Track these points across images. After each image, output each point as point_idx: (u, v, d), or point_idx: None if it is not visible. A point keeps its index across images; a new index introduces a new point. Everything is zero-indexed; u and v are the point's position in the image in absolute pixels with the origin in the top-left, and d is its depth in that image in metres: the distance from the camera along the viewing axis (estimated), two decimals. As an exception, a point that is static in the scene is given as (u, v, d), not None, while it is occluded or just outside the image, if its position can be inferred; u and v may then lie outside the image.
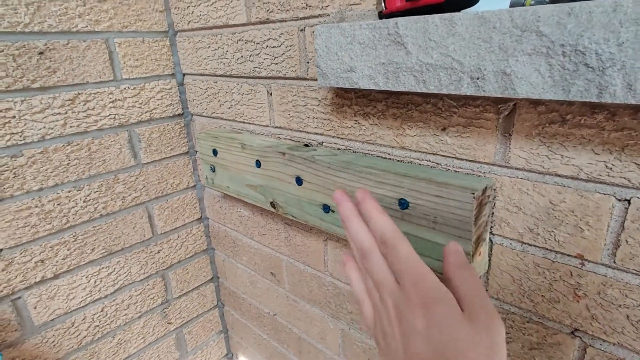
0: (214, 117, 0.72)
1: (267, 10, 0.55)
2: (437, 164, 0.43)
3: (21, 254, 0.62)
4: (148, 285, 0.80)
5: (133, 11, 0.67)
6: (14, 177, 0.59)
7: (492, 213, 0.41)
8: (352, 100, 0.49)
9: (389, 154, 0.48)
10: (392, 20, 0.36)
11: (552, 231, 0.37)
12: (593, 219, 0.34)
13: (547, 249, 0.38)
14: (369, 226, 0.30)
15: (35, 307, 0.64)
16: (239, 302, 0.89)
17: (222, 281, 0.92)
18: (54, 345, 0.68)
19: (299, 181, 0.53)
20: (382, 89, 0.39)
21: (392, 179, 0.42)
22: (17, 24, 0.55)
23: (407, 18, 0.35)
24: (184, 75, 0.75)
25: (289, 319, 0.76)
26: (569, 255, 0.37)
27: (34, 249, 0.63)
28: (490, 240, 0.42)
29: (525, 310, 0.41)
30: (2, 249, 0.59)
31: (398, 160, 0.47)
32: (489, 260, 0.42)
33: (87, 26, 0.62)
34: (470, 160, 0.41)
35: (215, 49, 0.65)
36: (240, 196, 0.65)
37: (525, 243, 0.39)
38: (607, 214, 0.33)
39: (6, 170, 0.58)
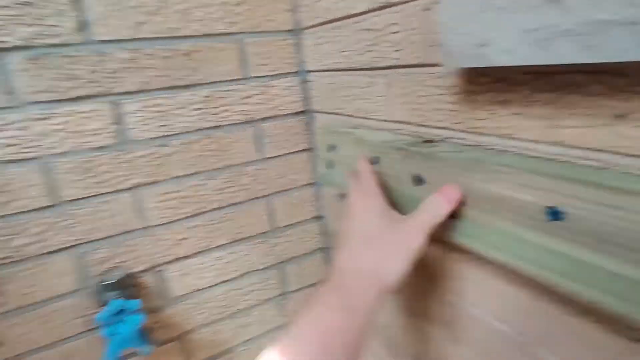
0: (334, 113, 0.71)
1: (390, -8, 0.50)
2: (609, 164, 0.32)
3: (165, 231, 0.70)
4: (267, 275, 0.83)
5: (263, 12, 0.70)
6: (163, 164, 0.67)
7: (702, 239, 0.27)
8: (486, 86, 0.40)
9: (535, 151, 0.37)
10: (546, -30, 0.27)
11: None
12: None
13: None
14: None
15: (173, 281, 0.73)
16: (351, 305, 0.86)
17: (336, 281, 0.90)
18: (186, 318, 0.76)
19: (418, 180, 0.47)
20: (527, 63, 0.30)
21: (540, 182, 0.32)
22: (170, 29, 0.63)
23: (570, -37, 0.26)
24: (307, 72, 0.76)
25: (405, 334, 0.69)
26: None
27: (174, 228, 0.71)
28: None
29: None
30: (151, 226, 0.69)
31: (547, 159, 0.36)
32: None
33: (224, 29, 0.67)
34: (664, 161, 0.28)
35: (336, 43, 0.64)
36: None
37: None
38: None
39: (158, 158, 0.67)
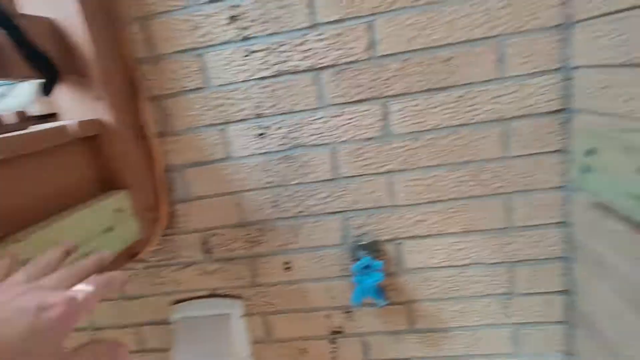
0: (599, 114, 0.65)
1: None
2: None
3: (408, 211, 0.83)
4: (495, 271, 0.85)
5: (528, 10, 0.70)
6: (413, 155, 0.79)
7: None
8: None
9: None
10: None
11: None
12: None
13: None
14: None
15: (408, 254, 0.86)
16: (593, 329, 0.77)
17: (576, 299, 0.82)
18: (414, 288, 0.88)
19: None
20: None
21: None
22: (435, 40, 0.73)
23: None
24: (573, 68, 0.71)
25: None
26: None
27: (415, 210, 0.83)
28: None
29: None
30: (398, 205, 0.83)
31: None
32: None
33: (483, 33, 0.72)
34: None
35: (617, 36, 0.58)
36: (614, 205, 0.56)
37: None
38: None
39: (410, 149, 0.79)
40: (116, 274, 0.34)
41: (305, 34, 0.75)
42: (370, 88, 0.77)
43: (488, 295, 0.87)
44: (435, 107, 0.77)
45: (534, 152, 0.77)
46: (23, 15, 0.63)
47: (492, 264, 0.84)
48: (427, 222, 0.83)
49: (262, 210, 0.86)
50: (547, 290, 0.85)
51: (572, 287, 0.83)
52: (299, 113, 0.80)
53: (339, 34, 0.74)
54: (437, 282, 0.87)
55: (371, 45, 0.74)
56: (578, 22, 0.67)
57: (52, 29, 0.68)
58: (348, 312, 0.91)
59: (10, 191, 0.57)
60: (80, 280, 0.32)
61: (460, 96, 0.75)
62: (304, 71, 0.77)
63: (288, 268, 0.90)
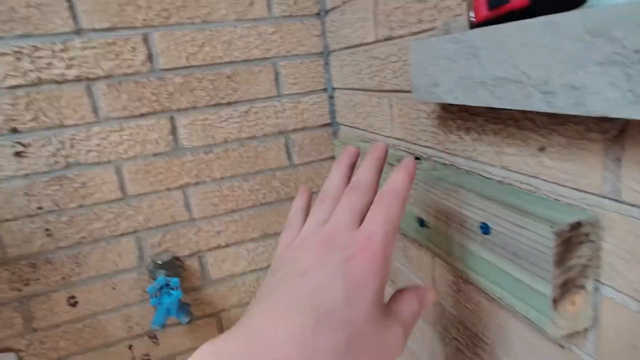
0: (352, 127, 0.79)
1: (389, 28, 0.57)
2: (538, 189, 0.37)
3: (207, 224, 0.84)
4: (293, 268, 0.94)
5: (295, 38, 0.80)
6: (206, 167, 0.81)
7: (599, 257, 0.32)
8: (455, 114, 0.47)
9: (490, 173, 0.43)
10: (470, 32, 0.34)
11: (680, 295, 0.27)
12: None
13: (674, 318, 0.28)
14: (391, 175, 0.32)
15: (212, 265, 0.87)
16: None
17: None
18: (222, 298, 0.89)
19: (402, 193, 0.54)
20: (461, 103, 0.37)
21: (476, 201, 0.39)
22: (215, 57, 0.76)
23: (483, 29, 0.32)
24: (333, 89, 0.85)
25: (404, 329, 0.76)
26: None
27: (214, 222, 0.84)
28: (598, 290, 0.33)
29: (645, 393, 0.31)
30: (195, 218, 0.83)
31: (498, 181, 0.42)
32: (597, 315, 0.34)
33: (261, 54, 0.79)
34: (574, 189, 0.34)
35: (354, 66, 0.72)
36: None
37: (644, 304, 0.30)
38: None
39: (201, 163, 0.80)
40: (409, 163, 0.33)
41: (68, 40, 0.67)
42: (155, 102, 0.75)
43: (290, 290, 0.95)
44: (224, 121, 0.80)
45: (313, 159, 0.88)
46: None
47: (289, 262, 0.93)
48: (227, 232, 0.86)
49: (31, 242, 0.73)
50: (336, 277, 0.99)
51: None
52: (71, 128, 0.71)
53: (111, 43, 0.70)
54: (243, 287, 0.91)
55: (150, 58, 0.72)
56: (332, 51, 0.81)
57: None
58: (153, 337, 0.86)
59: None
60: (368, 202, 0.30)
61: (246, 111, 0.81)
62: (72, 81, 0.69)
63: (74, 303, 0.78)
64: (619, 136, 0.29)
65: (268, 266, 0.89)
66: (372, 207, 0.29)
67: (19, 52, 0.66)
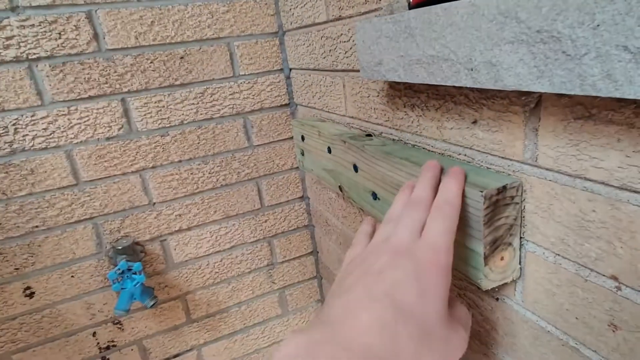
0: (309, 107, 0.81)
1: (339, 8, 0.59)
2: (472, 159, 0.41)
3: (167, 207, 0.83)
4: (256, 247, 0.96)
5: (249, 17, 0.80)
6: (163, 150, 0.80)
7: (523, 217, 0.36)
8: (401, 91, 0.49)
9: (432, 146, 0.47)
10: (407, 13, 0.36)
11: (584, 244, 0.31)
12: (626, 235, 0.28)
13: (580, 265, 0.32)
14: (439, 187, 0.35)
15: (174, 249, 0.87)
16: (332, 276, 0.97)
17: (320, 256, 1.02)
18: (186, 280, 0.90)
19: (355, 168, 0.56)
20: (403, 80, 0.39)
21: (417, 172, 0.42)
22: (167, 37, 0.74)
23: (417, 10, 0.34)
24: (290, 70, 0.86)
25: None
26: (603, 276, 0.31)
27: (174, 205, 0.84)
28: (523, 246, 0.37)
29: (561, 331, 0.36)
30: (155, 202, 0.82)
31: (440, 153, 0.45)
32: (521, 268, 0.38)
33: (214, 34, 0.78)
34: (502, 157, 0.37)
35: (308, 46, 0.73)
36: (320, 178, 0.71)
37: (558, 255, 0.34)
38: (641, 232, 0.27)
39: (158, 146, 0.79)
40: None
41: (4, 18, 0.63)
42: (104, 84, 0.72)
43: (255, 269, 0.97)
44: (179, 103, 0.79)
45: (272, 140, 0.89)
46: None
47: (253, 242, 0.95)
48: (188, 215, 0.86)
49: (-22, 233, 0.70)
50: (300, 254, 1.02)
51: (316, 247, 1.03)
52: (13, 112, 0.68)
53: (52, 22, 0.66)
54: (208, 268, 0.92)
55: (96, 37, 0.69)
56: (287, 31, 0.81)
57: None
58: (118, 323, 0.86)
59: None
60: (426, 216, 0.32)
61: (201, 92, 0.80)
62: (11, 62, 0.66)
63: (30, 294, 0.76)
64: (535, 108, 0.32)
65: (232, 247, 0.91)
66: (431, 218, 0.32)
67: (-52, 32, 0.61)
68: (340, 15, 0.59)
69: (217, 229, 0.90)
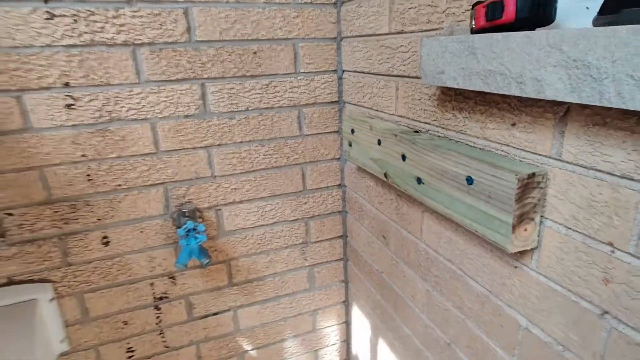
0: (358, 105, 0.92)
1: (402, 24, 0.70)
2: (508, 153, 0.52)
3: (225, 181, 0.96)
4: (295, 226, 1.07)
5: (314, 23, 0.92)
6: (229, 131, 0.92)
7: (545, 199, 0.48)
8: (452, 97, 0.61)
9: (474, 143, 0.58)
10: (471, 37, 0.47)
11: (590, 219, 0.43)
12: (622, 211, 0.39)
13: (585, 235, 0.43)
14: None
15: (226, 219, 0.99)
16: (358, 258, 1.08)
17: (349, 240, 1.13)
18: (232, 247, 1.02)
19: (403, 158, 0.68)
20: (461, 87, 0.51)
21: (464, 160, 0.53)
22: (245, 34, 0.87)
23: (481, 35, 0.46)
24: (343, 71, 0.98)
25: (390, 277, 0.91)
26: (602, 242, 0.42)
27: (231, 180, 0.96)
28: (542, 222, 0.49)
29: (566, 289, 0.47)
30: (216, 176, 0.94)
31: (480, 148, 0.57)
32: (540, 239, 0.49)
33: (283, 35, 0.90)
34: (532, 153, 0.49)
35: (365, 52, 0.85)
36: (366, 167, 0.83)
37: (569, 228, 0.45)
38: (633, 208, 0.38)
39: (225, 127, 0.92)
40: None
41: (120, 8, 0.76)
42: (189, 69, 0.85)
43: (290, 246, 1.09)
44: (247, 92, 0.91)
45: (320, 132, 1.01)
46: None
47: (292, 220, 1.07)
48: (242, 190, 0.98)
49: (73, 185, 0.83)
50: (331, 237, 1.13)
51: (346, 231, 1.14)
52: (116, 87, 0.80)
53: (157, 14, 0.79)
54: (251, 239, 1.04)
55: (188, 30, 0.82)
56: (344, 37, 0.93)
57: None
58: (172, 277, 0.98)
59: None
60: None
61: (266, 84, 0.92)
62: (120, 45, 0.78)
63: (106, 243, 0.89)
64: (564, 116, 0.44)
65: (274, 223, 1.03)
66: None
67: (77, 15, 0.74)
68: (402, 30, 0.71)
69: (264, 205, 1.02)
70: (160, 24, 0.80)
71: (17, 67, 0.73)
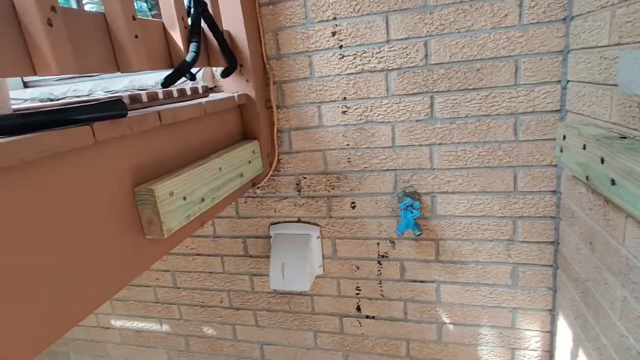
0: (577, 113, 0.96)
1: (619, 36, 0.74)
2: (702, 157, 0.53)
3: (441, 174, 1.19)
4: (502, 222, 1.18)
5: (539, 40, 1.02)
6: (449, 133, 1.15)
7: None
8: (656, 103, 0.63)
9: (674, 148, 0.60)
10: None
11: None
12: None
13: None
14: None
15: (439, 204, 1.22)
16: (567, 266, 1.09)
17: (561, 247, 1.14)
18: (441, 229, 1.24)
19: (602, 161, 0.73)
20: (645, 95, 0.56)
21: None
22: (470, 55, 1.07)
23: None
24: (567, 81, 1.02)
25: (594, 284, 0.91)
26: None
27: (447, 173, 1.18)
28: None
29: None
30: (434, 168, 1.19)
31: (677, 153, 0.58)
32: None
33: (506, 53, 1.05)
34: None
35: (587, 63, 0.89)
36: (572, 170, 0.88)
37: None
38: None
39: (446, 130, 1.15)
40: None
41: (382, 46, 1.12)
42: (422, 85, 1.13)
43: (496, 239, 1.21)
44: (468, 102, 1.11)
45: (537, 138, 1.09)
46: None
47: (500, 217, 1.18)
48: (455, 183, 1.19)
49: (339, 164, 1.26)
50: (540, 240, 1.17)
51: (558, 238, 1.15)
52: (372, 99, 1.18)
53: (404, 47, 1.11)
54: (459, 226, 1.22)
55: (426, 56, 1.10)
56: (571, 50, 0.98)
57: (230, 36, 1.12)
58: (392, 242, 1.30)
59: (195, 137, 1.01)
60: None
61: (486, 95, 1.09)
62: (378, 71, 1.15)
63: (353, 207, 1.29)
64: None
65: (481, 216, 1.18)
66: None
67: (356, 54, 1.15)
68: (619, 42, 0.75)
69: (473, 198, 1.19)
70: (407, 54, 1.11)
71: (320, 88, 1.21)
